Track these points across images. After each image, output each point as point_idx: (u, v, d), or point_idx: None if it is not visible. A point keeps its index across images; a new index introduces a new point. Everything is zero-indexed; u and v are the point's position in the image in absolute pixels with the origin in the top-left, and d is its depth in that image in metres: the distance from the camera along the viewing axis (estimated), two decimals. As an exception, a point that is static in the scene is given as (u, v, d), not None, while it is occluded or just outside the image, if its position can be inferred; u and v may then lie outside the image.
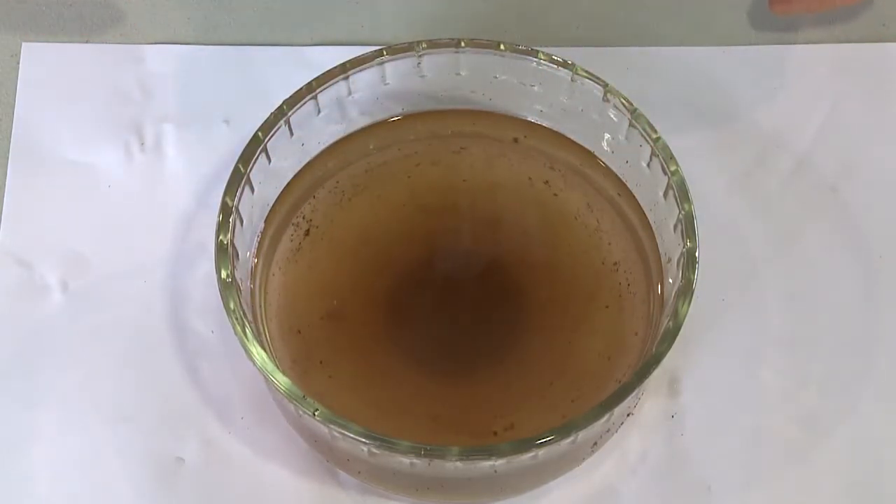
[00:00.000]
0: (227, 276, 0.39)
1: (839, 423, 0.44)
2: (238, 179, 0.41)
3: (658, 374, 0.39)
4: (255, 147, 0.41)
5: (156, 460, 0.43)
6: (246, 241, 0.42)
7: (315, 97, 0.42)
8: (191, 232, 0.46)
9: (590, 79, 0.42)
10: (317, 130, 0.44)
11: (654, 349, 0.38)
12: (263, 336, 0.41)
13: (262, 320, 0.42)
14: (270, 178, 0.43)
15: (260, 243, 0.43)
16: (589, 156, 0.44)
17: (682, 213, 0.40)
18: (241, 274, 0.41)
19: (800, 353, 0.45)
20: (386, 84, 0.44)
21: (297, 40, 0.50)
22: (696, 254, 0.39)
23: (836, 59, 0.50)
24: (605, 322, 0.42)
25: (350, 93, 0.43)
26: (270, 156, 0.42)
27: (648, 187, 0.42)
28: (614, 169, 0.44)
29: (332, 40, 0.50)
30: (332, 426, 0.37)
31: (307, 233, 0.44)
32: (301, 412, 0.37)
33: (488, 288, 0.43)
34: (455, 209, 0.45)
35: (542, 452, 0.37)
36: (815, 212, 0.47)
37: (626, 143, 0.43)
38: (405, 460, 0.37)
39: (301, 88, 0.42)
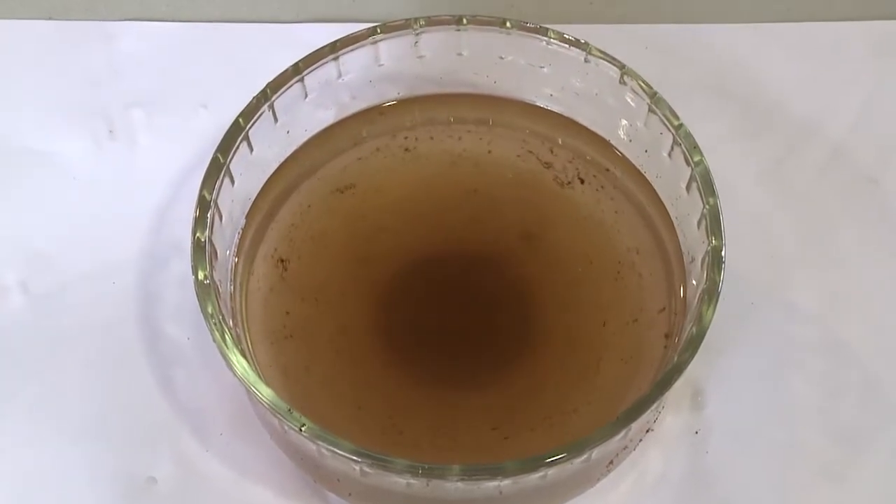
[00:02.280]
0: (205, 277, 0.39)
1: (880, 437, 0.44)
2: (217, 171, 0.41)
3: (680, 386, 0.39)
4: (235, 135, 0.41)
5: (125, 480, 0.43)
6: (225, 239, 0.42)
7: (302, 80, 0.42)
8: (164, 228, 0.47)
9: (605, 59, 0.42)
10: (304, 116, 0.44)
11: (675, 357, 0.38)
12: (244, 343, 0.41)
13: (243, 326, 0.42)
14: (252, 168, 0.43)
15: (241, 241, 0.43)
16: (604, 144, 0.44)
17: (707, 207, 0.40)
18: (220, 275, 0.41)
19: (837, 360, 0.45)
20: (380, 65, 0.44)
21: (283, 17, 0.50)
22: (723, 252, 0.39)
23: (876, 37, 0.50)
24: (620, 327, 0.42)
25: (340, 75, 0.43)
26: (252, 144, 0.42)
27: (670, 179, 0.42)
28: (632, 159, 0.44)
29: (321, 17, 0.50)
30: (320, 443, 0.37)
31: (293, 229, 0.44)
32: (286, 427, 0.37)
33: (491, 290, 0.43)
34: (456, 203, 0.45)
35: (551, 472, 0.37)
36: (853, 205, 0.47)
37: (645, 131, 0.43)
38: (401, 480, 0.37)
39: (286, 70, 0.42)
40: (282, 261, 0.43)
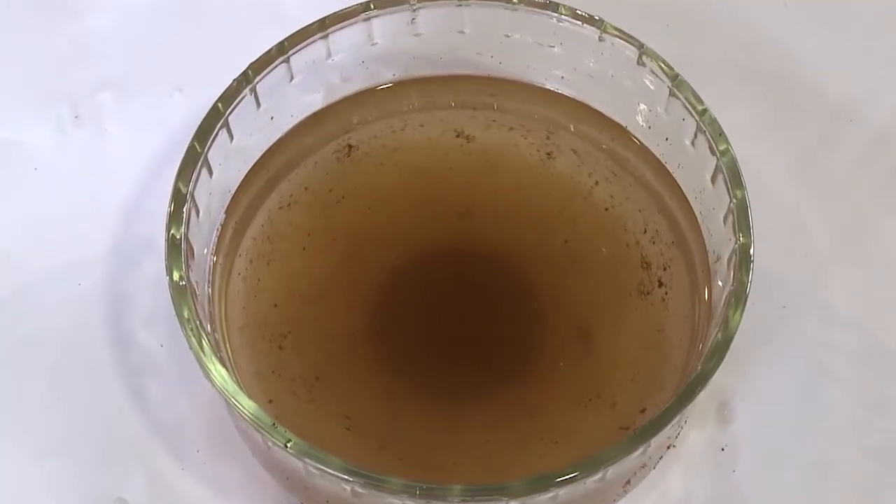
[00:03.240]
0: (181, 277, 0.39)
1: (924, 456, 0.44)
2: (193, 161, 0.41)
3: (705, 397, 0.39)
4: (213, 121, 0.41)
5: (93, 502, 0.43)
6: (203, 236, 0.42)
7: (287, 60, 0.42)
8: (136, 224, 0.47)
9: (622, 38, 0.42)
10: (289, 101, 0.44)
11: (699, 366, 0.38)
12: (224, 351, 0.41)
13: (222, 331, 0.42)
14: (233, 158, 0.43)
15: (220, 238, 0.43)
16: (620, 131, 0.44)
17: (734, 201, 0.40)
18: (197, 275, 0.41)
19: (877, 370, 0.45)
20: (374, 44, 0.44)
21: (266, -10, 0.50)
22: (751, 251, 0.39)
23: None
24: (638, 334, 0.43)
25: (330, 55, 0.43)
26: (233, 132, 0.42)
27: (693, 170, 0.42)
28: (651, 148, 0.44)
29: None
30: (308, 460, 0.37)
31: (277, 225, 0.44)
32: (270, 443, 0.37)
33: (496, 293, 0.44)
34: (457, 196, 0.45)
35: (563, 492, 0.37)
36: (895, 198, 0.47)
37: (666, 117, 0.43)
38: (397, 502, 0.37)
39: (270, 49, 0.42)
40: (265, 260, 0.44)
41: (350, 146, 0.45)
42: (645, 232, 0.44)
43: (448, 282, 0.44)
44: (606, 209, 0.44)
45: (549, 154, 0.45)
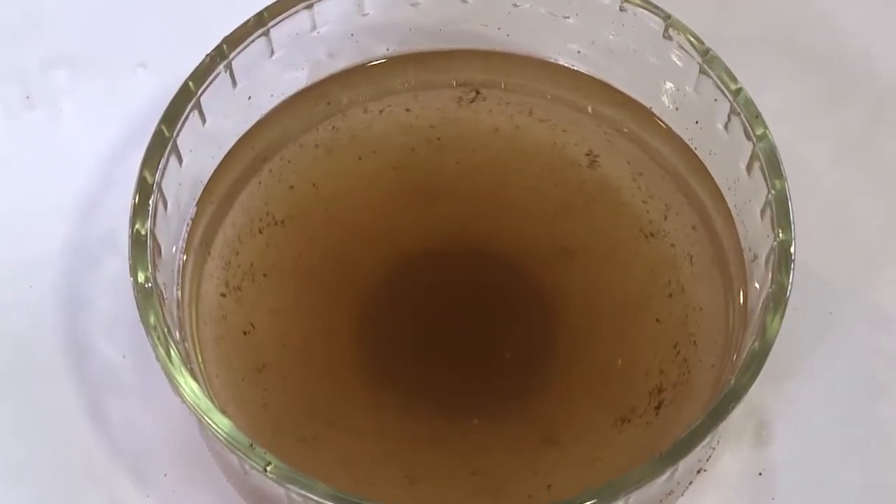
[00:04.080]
0: (146, 279, 0.39)
1: None
2: (161, 147, 0.41)
3: (740, 415, 0.39)
4: (184, 102, 0.41)
5: (46, 534, 0.43)
6: (171, 232, 0.42)
7: (267, 33, 0.42)
8: (95, 218, 0.47)
9: (645, 8, 0.42)
10: (269, 79, 0.44)
11: (733, 380, 0.38)
12: (196, 362, 0.41)
13: (193, 340, 0.42)
14: (205, 144, 0.43)
15: (190, 234, 0.43)
16: (644, 113, 0.44)
17: (773, 192, 0.40)
18: (165, 276, 0.41)
19: (934, 384, 0.45)
20: (364, 14, 0.44)
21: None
22: (792, 248, 0.39)
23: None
24: (662, 343, 0.42)
25: (315, 27, 0.43)
26: (205, 114, 0.42)
27: (726, 157, 0.42)
28: (679, 132, 0.44)
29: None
30: (290, 486, 0.37)
31: (255, 219, 0.44)
32: (248, 466, 0.37)
33: (502, 300, 0.44)
34: (459, 186, 0.45)
35: (580, 522, 0.37)
36: (955, 190, 0.47)
37: (696, 97, 0.43)
38: (390, 533, 0.37)
39: (248, 21, 0.42)
40: (241, 259, 0.44)
41: (335, 129, 0.45)
42: (671, 227, 0.44)
43: (447, 283, 0.44)
44: (627, 202, 0.44)
45: (562, 140, 0.45)
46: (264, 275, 0.43)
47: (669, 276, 0.43)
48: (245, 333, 0.43)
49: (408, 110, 0.45)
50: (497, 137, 0.45)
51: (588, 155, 0.45)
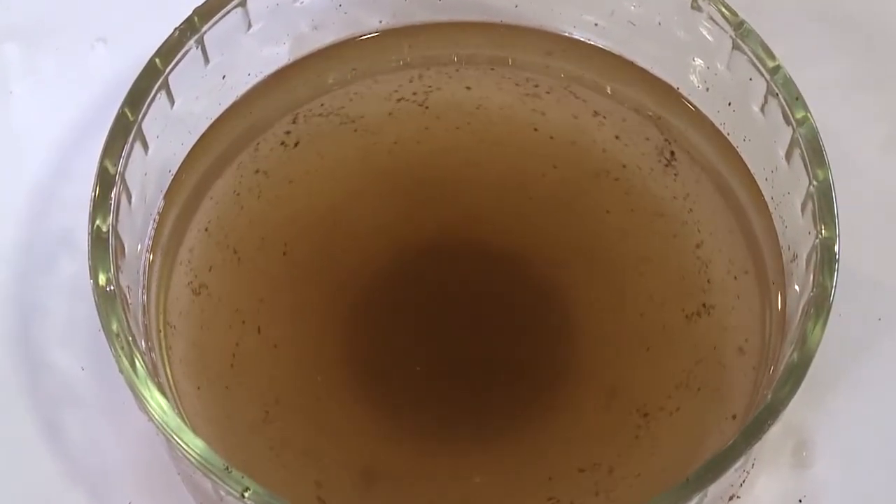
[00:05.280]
0: (108, 281, 0.39)
1: None
2: (124, 132, 0.41)
3: (777, 434, 0.40)
4: (150, 81, 0.41)
5: (-3, 567, 0.43)
6: (136, 229, 0.42)
7: (243, 3, 0.42)
8: (49, 213, 0.47)
9: (671, -25, 0.42)
10: (246, 55, 0.44)
11: (769, 395, 0.38)
12: (164, 375, 0.42)
13: (160, 350, 0.42)
14: (174, 129, 0.43)
15: (157, 231, 0.43)
16: (669, 93, 0.45)
17: (815, 184, 0.40)
18: (129, 279, 0.41)
19: None
20: (353, -18, 0.44)
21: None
22: (836, 247, 0.40)
23: None
24: (691, 354, 0.43)
25: (298, -5, 0.44)
26: (174, 95, 0.42)
27: (762, 144, 0.43)
28: (709, 114, 0.44)
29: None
30: (270, 514, 0.37)
31: (230, 214, 0.44)
32: (224, 492, 0.38)
33: (506, 308, 0.44)
34: (462, 176, 0.45)
35: (597, 556, 0.38)
36: None
37: (728, 76, 0.43)
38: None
39: (221, -11, 0.42)
40: (215, 259, 0.44)
41: (321, 115, 0.45)
42: (702, 223, 0.44)
43: (445, 285, 0.44)
44: (651, 192, 0.45)
45: (578, 125, 0.45)
46: (241, 275, 0.44)
47: (698, 279, 0.43)
48: (223, 333, 0.43)
49: (402, 90, 0.45)
50: (504, 120, 0.45)
51: (606, 142, 0.45)
